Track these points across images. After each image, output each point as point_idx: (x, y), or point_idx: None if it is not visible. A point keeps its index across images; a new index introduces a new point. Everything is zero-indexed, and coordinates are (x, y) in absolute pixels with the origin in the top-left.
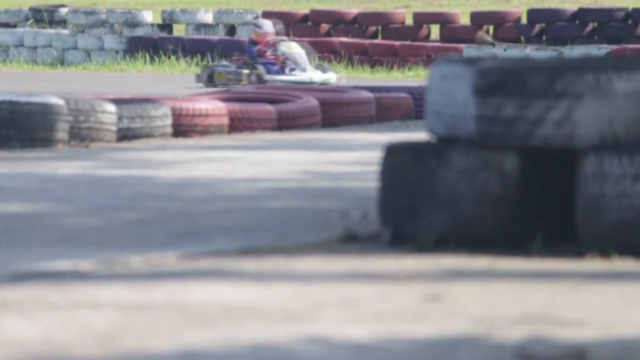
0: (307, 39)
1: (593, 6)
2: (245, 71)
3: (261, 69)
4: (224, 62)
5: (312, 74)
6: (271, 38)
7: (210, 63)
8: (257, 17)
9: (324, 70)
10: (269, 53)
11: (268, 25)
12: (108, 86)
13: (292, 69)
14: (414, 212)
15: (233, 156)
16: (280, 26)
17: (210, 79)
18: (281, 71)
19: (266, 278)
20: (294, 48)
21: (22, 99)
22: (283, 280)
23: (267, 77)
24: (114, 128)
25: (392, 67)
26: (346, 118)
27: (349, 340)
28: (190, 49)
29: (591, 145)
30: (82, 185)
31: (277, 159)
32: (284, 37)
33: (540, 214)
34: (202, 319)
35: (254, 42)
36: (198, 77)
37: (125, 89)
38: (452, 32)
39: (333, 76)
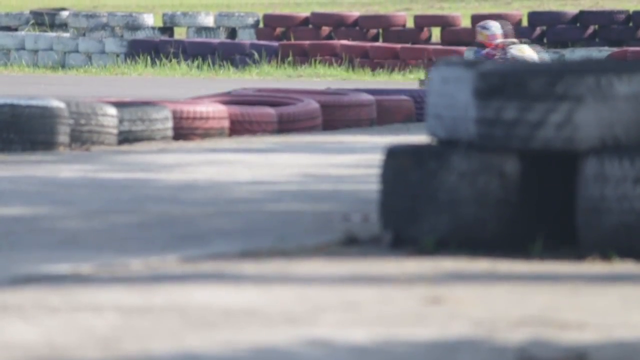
0: (307, 42)
1: (594, 9)
2: None
3: None
4: None
5: None
6: (500, 40)
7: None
8: (257, 20)
9: None
10: (498, 56)
11: (496, 27)
12: (109, 89)
13: None
14: (415, 215)
15: (234, 159)
16: (509, 28)
17: None
18: None
19: (267, 281)
20: (525, 51)
21: (23, 102)
22: (284, 283)
23: None
24: (115, 131)
25: (393, 70)
26: (347, 121)
27: (349, 342)
28: (191, 52)
29: (592, 148)
30: (83, 188)
31: (278, 162)
32: (514, 40)
33: (541, 217)
34: (203, 322)
35: (481, 45)
36: (422, 83)
37: (126, 92)
38: (453, 35)
39: None
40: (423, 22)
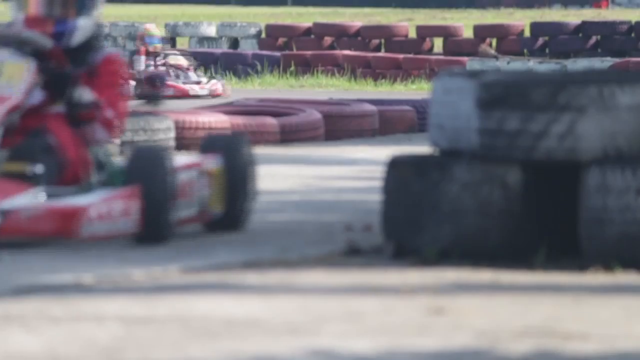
0: (309, 52)
1: (596, 19)
2: None
3: None
4: None
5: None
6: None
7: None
8: (259, 30)
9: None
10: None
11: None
12: None
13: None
14: (417, 225)
15: None
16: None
17: None
18: None
19: (269, 291)
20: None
21: None
22: (286, 293)
23: None
24: (117, 141)
25: (395, 80)
26: (349, 131)
27: (352, 353)
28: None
29: (594, 159)
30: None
31: (280, 173)
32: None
33: (544, 227)
34: (206, 332)
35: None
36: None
37: None
38: (455, 45)
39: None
40: (425, 32)
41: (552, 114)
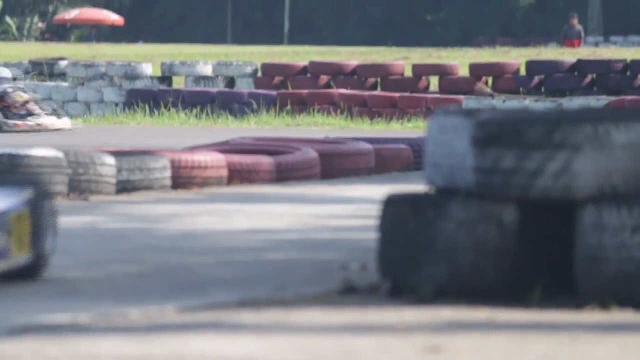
0: (306, 91)
1: (592, 58)
2: None
3: None
4: None
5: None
6: None
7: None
8: (255, 69)
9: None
10: None
11: None
12: (107, 138)
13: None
14: (413, 264)
15: (232, 208)
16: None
17: None
18: None
19: (265, 330)
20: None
21: (22, 151)
22: (282, 332)
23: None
24: (113, 180)
25: (391, 119)
26: (345, 169)
27: None
28: (189, 101)
29: (590, 197)
30: (81, 238)
31: (276, 211)
32: None
33: (540, 265)
34: None
35: None
36: None
37: (124, 141)
38: (451, 84)
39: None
40: (421, 70)
41: (547, 152)
